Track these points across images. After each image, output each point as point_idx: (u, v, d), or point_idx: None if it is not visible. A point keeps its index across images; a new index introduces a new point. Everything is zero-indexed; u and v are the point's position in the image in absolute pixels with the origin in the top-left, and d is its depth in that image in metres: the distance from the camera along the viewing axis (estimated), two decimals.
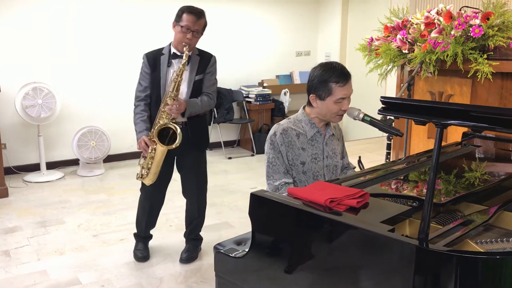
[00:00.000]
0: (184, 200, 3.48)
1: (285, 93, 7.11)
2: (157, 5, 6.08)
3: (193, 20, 2.98)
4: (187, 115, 3.09)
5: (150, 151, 3.03)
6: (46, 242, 3.75)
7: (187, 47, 2.97)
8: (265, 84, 7.10)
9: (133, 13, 6.00)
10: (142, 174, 3.12)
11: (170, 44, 3.14)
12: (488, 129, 1.20)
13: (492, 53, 2.86)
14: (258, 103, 6.76)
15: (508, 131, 1.16)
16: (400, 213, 1.58)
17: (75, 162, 5.77)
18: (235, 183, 5.35)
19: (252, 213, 1.74)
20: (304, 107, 2.42)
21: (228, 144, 7.01)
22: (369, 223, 1.46)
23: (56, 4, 5.53)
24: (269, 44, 7.17)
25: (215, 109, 6.55)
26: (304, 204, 1.62)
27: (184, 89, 3.11)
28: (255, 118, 6.85)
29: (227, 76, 6.79)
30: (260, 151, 6.52)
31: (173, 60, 3.10)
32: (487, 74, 2.76)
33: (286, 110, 7.04)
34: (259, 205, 1.72)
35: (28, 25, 5.42)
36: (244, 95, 6.82)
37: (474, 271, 1.27)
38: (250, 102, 6.80)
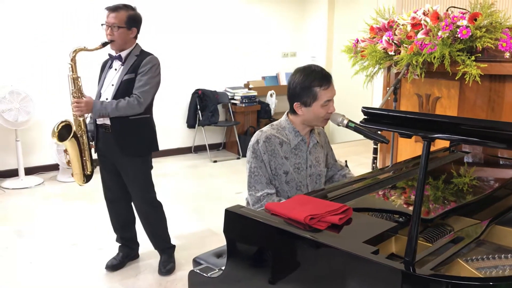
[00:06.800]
0: None
1: (271, 95, 7.00)
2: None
3: (107, 15, 2.94)
4: (95, 116, 3.01)
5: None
6: (21, 251, 3.60)
7: (110, 43, 2.96)
8: (250, 86, 6.98)
9: None
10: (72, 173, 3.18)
11: None
12: (479, 143, 1.10)
13: (480, 54, 2.77)
14: (243, 105, 6.64)
15: (500, 145, 1.05)
16: (385, 230, 1.47)
17: (55, 167, 5.61)
18: (220, 187, 5.22)
19: (227, 230, 1.62)
20: (287, 114, 2.31)
21: (214, 147, 6.88)
22: (352, 243, 1.35)
23: (32, 6, 5.36)
24: (254, 45, 7.05)
25: (199, 112, 6.42)
26: (282, 222, 1.50)
27: (111, 89, 3.04)
28: (241, 120, 6.73)
29: (212, 77, 6.66)
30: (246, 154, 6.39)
31: (113, 61, 3.10)
32: (475, 76, 2.67)
33: (272, 112, 6.93)
34: (235, 221, 1.60)
35: (2, 28, 5.24)
36: (230, 97, 6.68)
37: None
38: (235, 104, 6.67)
